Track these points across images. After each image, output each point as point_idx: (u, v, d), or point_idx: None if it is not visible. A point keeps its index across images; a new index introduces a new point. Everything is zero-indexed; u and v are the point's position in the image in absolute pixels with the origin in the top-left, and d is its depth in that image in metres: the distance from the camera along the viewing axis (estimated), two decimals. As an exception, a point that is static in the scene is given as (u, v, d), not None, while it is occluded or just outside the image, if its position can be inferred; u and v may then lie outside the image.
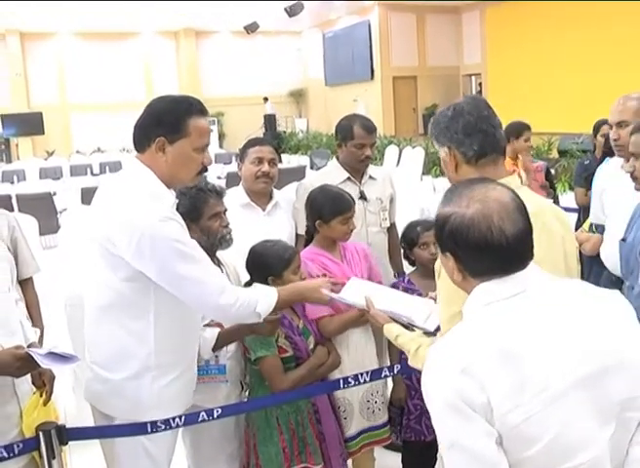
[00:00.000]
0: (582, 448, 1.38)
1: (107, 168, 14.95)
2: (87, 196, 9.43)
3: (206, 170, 2.39)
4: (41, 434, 2.30)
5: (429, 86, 23.15)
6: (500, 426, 1.34)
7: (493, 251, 1.44)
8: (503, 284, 1.47)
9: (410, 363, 2.19)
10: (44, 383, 2.45)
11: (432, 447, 3.32)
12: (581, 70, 16.17)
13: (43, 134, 22.67)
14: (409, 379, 3.15)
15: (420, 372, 3.10)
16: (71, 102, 24.05)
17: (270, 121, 23.22)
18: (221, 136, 24.76)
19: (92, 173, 14.29)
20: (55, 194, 9.58)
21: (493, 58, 21.04)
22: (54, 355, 2.17)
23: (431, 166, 14.74)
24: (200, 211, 2.74)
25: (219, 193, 2.82)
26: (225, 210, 2.84)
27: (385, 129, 20.41)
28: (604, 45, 15.90)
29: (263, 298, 2.36)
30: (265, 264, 2.82)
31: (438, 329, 2.32)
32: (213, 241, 2.77)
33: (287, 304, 2.56)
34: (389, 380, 3.17)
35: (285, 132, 23.67)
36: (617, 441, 1.43)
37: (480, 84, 22.68)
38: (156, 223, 2.18)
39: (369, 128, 3.59)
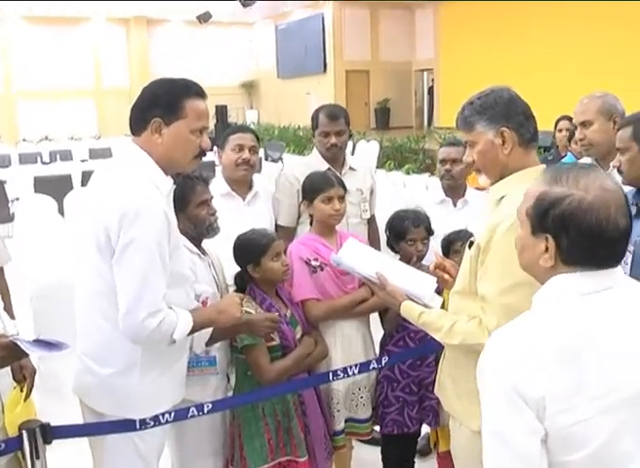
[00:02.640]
0: (627, 461, 1.35)
1: (58, 156, 14.58)
2: (40, 185, 9.17)
3: (204, 154, 2.31)
4: (24, 433, 2.20)
5: (382, 80, 23.28)
6: (549, 425, 1.32)
7: (604, 241, 1.39)
8: (592, 277, 1.42)
9: (441, 339, 2.15)
10: (24, 377, 2.35)
11: (413, 439, 3.34)
12: (534, 68, 16.43)
13: (-13, 121, 22.04)
14: (391, 371, 3.13)
15: (403, 363, 3.11)
16: (18, 89, 23.41)
17: (222, 112, 22.99)
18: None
19: (42, 161, 13.85)
20: (5, 182, 9.27)
21: (445, 54, 21.24)
22: (40, 342, 2.05)
23: (385, 160, 14.80)
24: (187, 198, 2.67)
25: (205, 180, 2.77)
26: (212, 197, 2.78)
27: (338, 122, 20.42)
28: (557, 43, 16.21)
29: (182, 326, 2.20)
30: (244, 252, 2.84)
31: (442, 306, 2.36)
32: (200, 229, 2.72)
33: (200, 329, 2.37)
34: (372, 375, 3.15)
35: (236, 123, 23.50)
36: None
37: (432, 79, 22.86)
38: (145, 209, 2.11)
39: (332, 115, 3.54)
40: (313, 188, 3.05)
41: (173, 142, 2.22)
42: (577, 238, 1.41)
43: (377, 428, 3.27)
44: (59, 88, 23.26)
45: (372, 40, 23.24)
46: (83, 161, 13.46)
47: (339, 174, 3.52)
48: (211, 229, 2.75)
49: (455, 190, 3.68)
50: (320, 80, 23.20)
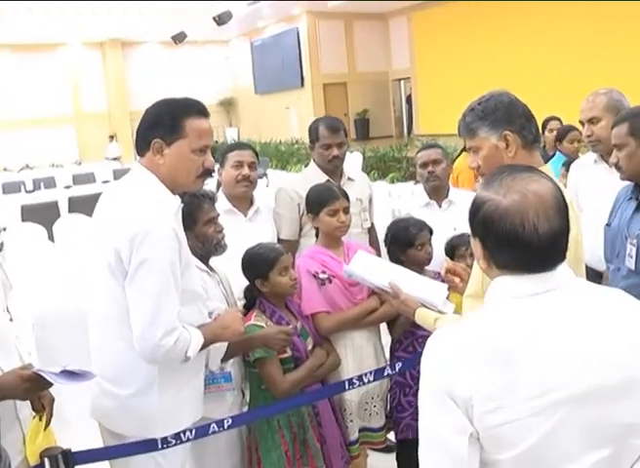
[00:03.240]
0: (567, 462, 1.33)
1: (42, 184, 14.49)
2: (27, 213, 9.12)
3: (209, 173, 2.30)
4: (47, 460, 2.18)
5: (359, 91, 23.35)
6: (477, 424, 1.31)
7: (521, 246, 1.36)
8: (525, 282, 1.39)
9: None
10: (43, 407, 2.33)
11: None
12: (510, 72, 16.56)
13: (-33, 152, 21.83)
14: (402, 376, 3.14)
15: (414, 368, 3.13)
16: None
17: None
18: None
19: (26, 190, 13.77)
20: (-10, 212, 9.23)
21: (421, 63, 21.37)
22: (66, 372, 2.04)
23: (369, 170, 14.82)
24: (194, 217, 2.67)
25: (211, 198, 2.78)
26: (218, 215, 2.79)
27: (319, 135, 20.43)
28: (531, 47, 16.39)
29: (195, 343, 2.22)
30: (252, 266, 2.85)
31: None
32: (209, 247, 2.73)
33: (208, 345, 2.37)
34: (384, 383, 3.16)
35: (217, 142, 23.47)
36: (612, 465, 1.36)
37: (410, 88, 22.97)
38: (154, 229, 2.12)
39: (333, 127, 3.57)
40: (318, 201, 3.06)
41: (175, 162, 2.22)
42: (496, 242, 1.40)
43: (389, 436, 3.27)
44: (37, 115, 23.13)
45: (347, 52, 23.33)
46: (67, 187, 13.36)
47: (338, 184, 3.56)
48: (219, 246, 2.76)
49: (439, 191, 3.71)
50: (298, 94, 23.23)
